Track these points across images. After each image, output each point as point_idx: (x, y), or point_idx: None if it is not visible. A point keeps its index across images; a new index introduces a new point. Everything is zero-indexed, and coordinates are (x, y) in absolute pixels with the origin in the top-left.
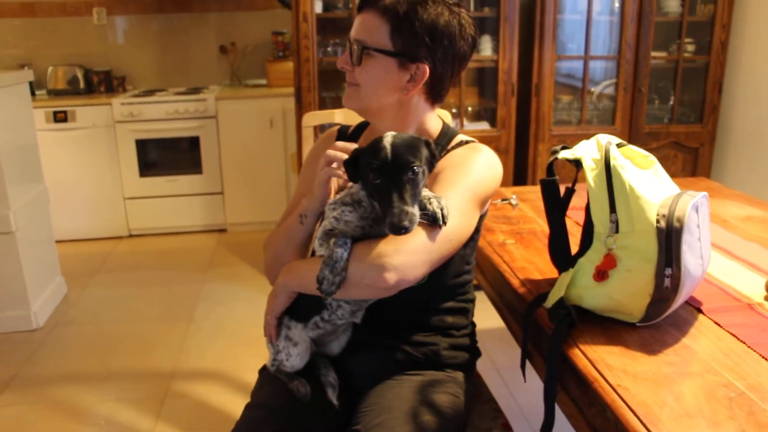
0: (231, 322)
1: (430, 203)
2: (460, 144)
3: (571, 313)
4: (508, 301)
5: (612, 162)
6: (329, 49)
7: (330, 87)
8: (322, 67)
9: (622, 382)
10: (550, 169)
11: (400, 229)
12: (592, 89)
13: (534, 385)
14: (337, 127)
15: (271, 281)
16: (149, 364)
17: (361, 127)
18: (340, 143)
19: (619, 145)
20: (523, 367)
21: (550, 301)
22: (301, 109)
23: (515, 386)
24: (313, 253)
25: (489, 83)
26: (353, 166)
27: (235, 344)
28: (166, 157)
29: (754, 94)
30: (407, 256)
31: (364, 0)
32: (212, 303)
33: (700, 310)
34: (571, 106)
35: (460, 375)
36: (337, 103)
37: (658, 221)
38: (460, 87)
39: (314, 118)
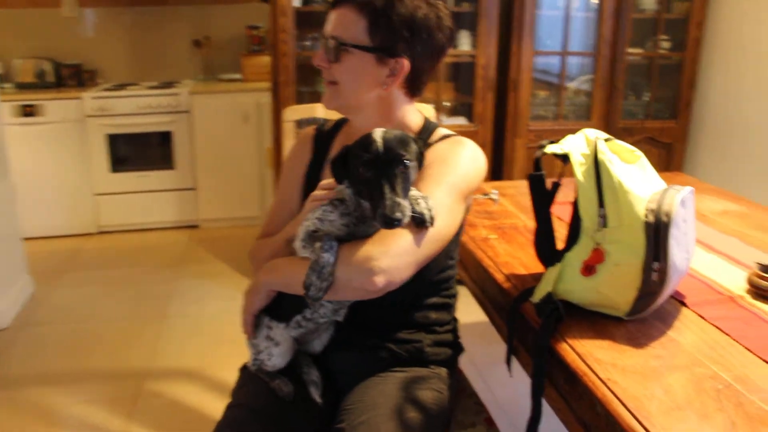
0: (205, 320)
1: (417, 204)
2: (443, 138)
3: (558, 308)
4: (491, 296)
5: (600, 157)
6: (307, 43)
7: (308, 82)
8: (300, 61)
9: (611, 375)
10: (538, 163)
11: (393, 221)
12: (568, 85)
13: (512, 379)
14: (314, 127)
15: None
16: (121, 364)
17: (339, 124)
18: (325, 182)
19: (606, 140)
20: (508, 362)
21: (538, 296)
22: (278, 104)
23: (494, 381)
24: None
25: (466, 78)
26: (341, 164)
27: (211, 342)
28: (138, 152)
29: (726, 91)
30: (395, 258)
31: None
32: (185, 301)
33: (684, 304)
34: (548, 101)
35: (443, 371)
36: (314, 98)
37: (646, 216)
38: (437, 82)
39: (295, 112)
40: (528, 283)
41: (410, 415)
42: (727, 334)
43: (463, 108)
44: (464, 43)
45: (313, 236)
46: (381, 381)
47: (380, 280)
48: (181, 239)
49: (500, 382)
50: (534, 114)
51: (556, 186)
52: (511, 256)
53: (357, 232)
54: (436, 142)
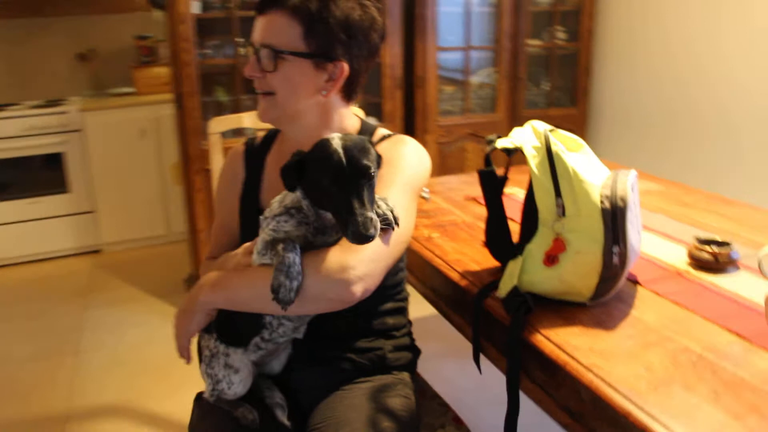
0: (124, 349)
1: (378, 206)
2: (383, 138)
3: (527, 301)
4: (445, 295)
5: (554, 148)
6: (209, 51)
7: (209, 92)
8: (202, 70)
9: (593, 361)
10: (488, 159)
11: (367, 239)
12: (472, 79)
13: (469, 372)
14: (243, 144)
15: None
16: (36, 409)
17: (270, 138)
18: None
19: (550, 131)
20: (476, 360)
21: (503, 290)
22: (183, 116)
23: (451, 378)
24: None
25: (373, 78)
26: (295, 172)
27: (134, 373)
28: (26, 177)
29: (619, 77)
30: (370, 265)
31: (269, 1)
32: (99, 332)
33: (637, 282)
34: (454, 96)
35: (406, 375)
36: (217, 108)
37: (602, 202)
38: None
39: (221, 123)
40: (484, 278)
41: (384, 425)
42: (684, 307)
43: (372, 108)
44: None
45: (271, 243)
46: (347, 394)
47: (358, 290)
48: (83, 266)
49: (456, 378)
50: (442, 109)
51: (504, 180)
52: (460, 253)
53: (316, 242)
54: (378, 142)
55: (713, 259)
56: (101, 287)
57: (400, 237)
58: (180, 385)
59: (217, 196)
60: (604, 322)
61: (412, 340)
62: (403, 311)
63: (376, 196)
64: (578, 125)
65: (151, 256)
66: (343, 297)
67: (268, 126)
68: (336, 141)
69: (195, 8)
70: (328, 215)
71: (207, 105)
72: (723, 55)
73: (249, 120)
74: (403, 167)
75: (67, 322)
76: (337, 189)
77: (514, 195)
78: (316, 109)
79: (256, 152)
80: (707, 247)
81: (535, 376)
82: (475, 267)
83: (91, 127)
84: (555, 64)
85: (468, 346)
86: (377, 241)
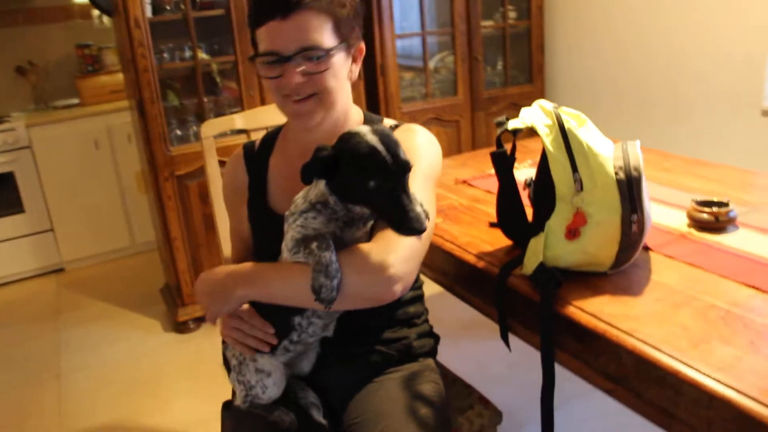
0: (109, 368)
1: None
2: (393, 128)
3: (555, 275)
4: (461, 277)
5: (567, 125)
6: (165, 55)
7: (162, 96)
8: (161, 75)
9: (632, 326)
10: (499, 141)
11: (420, 232)
12: (430, 63)
13: (479, 351)
14: (241, 148)
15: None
16: None
17: (269, 140)
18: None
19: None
20: (505, 337)
21: (529, 267)
22: (146, 123)
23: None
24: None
25: None
26: (324, 169)
27: (123, 390)
28: None
29: (570, 50)
30: (409, 262)
31: (285, 5)
32: (78, 352)
33: (648, 248)
34: (414, 82)
35: (431, 361)
36: (177, 113)
37: (616, 173)
38: None
39: (213, 126)
40: (501, 257)
41: (423, 413)
42: (699, 267)
43: None
44: None
45: (302, 241)
46: (379, 387)
47: (398, 288)
48: (48, 287)
49: (470, 359)
50: (404, 96)
51: (512, 160)
52: (469, 235)
53: (344, 236)
54: None
55: (714, 220)
56: (71, 307)
57: (429, 231)
58: (172, 398)
59: (226, 203)
60: (629, 288)
61: (431, 326)
62: (421, 299)
63: None
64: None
65: (118, 269)
66: (383, 296)
67: (262, 125)
68: (369, 136)
69: (148, 11)
70: (357, 208)
71: (168, 110)
72: (664, 27)
73: (241, 121)
74: (420, 158)
75: (42, 346)
76: (384, 186)
77: None
78: (346, 98)
79: (257, 155)
80: (707, 209)
81: (569, 346)
82: (488, 248)
83: (38, 143)
84: (509, 44)
85: (474, 327)
86: (413, 238)
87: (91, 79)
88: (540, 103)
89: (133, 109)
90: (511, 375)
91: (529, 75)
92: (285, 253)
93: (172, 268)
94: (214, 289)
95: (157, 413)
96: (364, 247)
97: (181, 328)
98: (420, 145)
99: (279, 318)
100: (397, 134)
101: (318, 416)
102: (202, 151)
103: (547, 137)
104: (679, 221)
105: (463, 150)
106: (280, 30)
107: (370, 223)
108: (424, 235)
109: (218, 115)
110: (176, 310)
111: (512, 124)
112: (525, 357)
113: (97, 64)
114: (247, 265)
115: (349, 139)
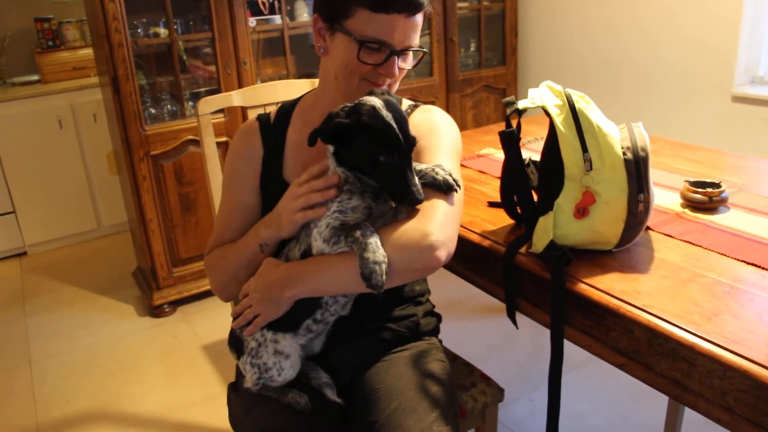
0: (82, 353)
1: (436, 174)
2: (413, 108)
3: (566, 253)
4: (464, 256)
5: (578, 105)
6: (139, 30)
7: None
8: (136, 51)
9: (645, 302)
10: (508, 120)
11: (418, 203)
12: None
13: (477, 329)
14: (256, 119)
15: (226, 298)
16: (3, 429)
17: (284, 112)
18: (320, 182)
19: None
20: (512, 315)
21: (539, 245)
22: (120, 101)
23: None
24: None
25: (306, 50)
26: (342, 135)
27: (99, 376)
28: None
29: (542, 34)
30: (447, 228)
31: (415, 5)
32: (48, 338)
33: (649, 228)
34: None
35: (435, 340)
36: (151, 91)
37: (624, 153)
38: (285, 56)
39: (210, 104)
40: (505, 237)
41: (434, 390)
42: (698, 246)
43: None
44: (302, 14)
45: (341, 229)
46: (390, 365)
47: (443, 254)
48: (11, 271)
49: (468, 337)
50: None
51: (519, 139)
52: (470, 215)
53: (376, 208)
54: (411, 112)
55: (708, 200)
56: (38, 291)
57: (460, 199)
58: (150, 384)
59: (229, 177)
60: (636, 266)
61: (433, 305)
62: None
63: (429, 165)
64: (510, 83)
65: (84, 252)
66: (430, 264)
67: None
68: (385, 113)
69: None
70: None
71: (144, 87)
72: (636, 13)
73: (238, 97)
74: (443, 135)
75: (9, 333)
76: (393, 161)
77: (491, 155)
78: None
79: (273, 128)
80: (701, 189)
81: (578, 322)
82: (490, 227)
83: None
84: (483, 25)
85: (468, 306)
86: (445, 205)
87: (52, 55)
88: (548, 84)
89: (105, 86)
90: (497, 352)
91: (502, 57)
92: (320, 243)
93: (147, 251)
94: (263, 296)
95: (134, 400)
96: (400, 223)
97: (156, 312)
98: (444, 124)
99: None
100: (419, 113)
101: (332, 396)
102: (182, 129)
103: (558, 117)
104: (672, 201)
105: None
106: (402, 25)
107: None
108: (458, 201)
109: (194, 93)
110: (151, 293)
111: (522, 104)
112: (512, 333)
113: (57, 39)
114: (289, 265)
115: (365, 111)
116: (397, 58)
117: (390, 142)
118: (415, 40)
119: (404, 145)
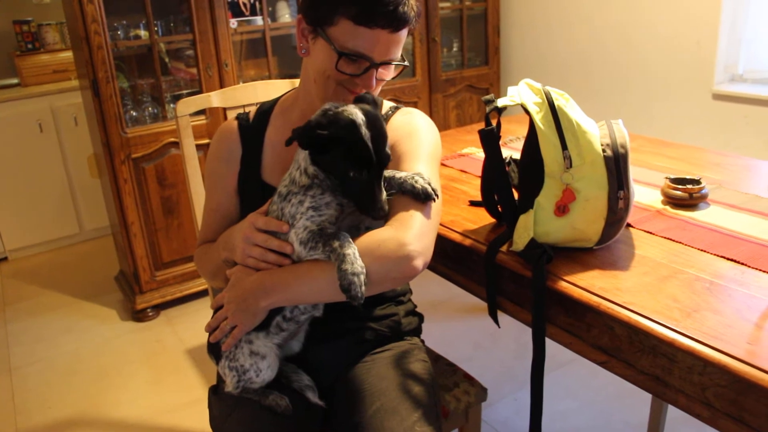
0: (64, 359)
1: (415, 182)
2: (393, 111)
3: (546, 251)
4: (445, 256)
5: (557, 103)
6: (119, 33)
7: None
8: (116, 54)
9: (625, 299)
10: (488, 119)
11: (381, 218)
12: None
13: (459, 330)
14: (235, 119)
15: (218, 286)
16: None
17: (264, 113)
18: (274, 243)
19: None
20: (493, 314)
21: (520, 243)
22: (100, 103)
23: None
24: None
25: (288, 51)
26: (321, 144)
27: (82, 381)
28: None
29: (524, 34)
30: (424, 238)
31: (399, 21)
32: (29, 344)
33: (629, 225)
34: None
35: (417, 340)
36: (131, 94)
37: (604, 150)
38: (267, 57)
39: (189, 105)
40: (486, 235)
41: (416, 391)
42: (678, 242)
43: None
44: (284, 14)
45: (319, 236)
46: (370, 365)
47: (419, 264)
48: None
49: (449, 338)
50: None
51: (499, 137)
52: (451, 214)
53: (347, 205)
54: (391, 115)
55: (688, 196)
56: (18, 297)
57: (437, 207)
58: (134, 389)
59: (209, 177)
60: (616, 263)
61: (415, 305)
62: None
63: (407, 173)
64: (493, 82)
65: (66, 257)
66: (407, 273)
67: (239, 103)
68: (364, 130)
69: None
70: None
71: (124, 90)
72: (616, 13)
73: (217, 98)
74: (423, 140)
75: None
76: (363, 177)
77: (473, 154)
78: None
79: (252, 128)
80: (681, 186)
81: (559, 320)
82: (471, 226)
83: None
84: (465, 25)
85: (451, 306)
86: (421, 215)
87: (32, 58)
88: (527, 81)
89: (85, 89)
90: (481, 352)
91: (485, 57)
92: (299, 249)
93: (129, 255)
94: (239, 306)
95: (118, 405)
96: (376, 232)
97: (139, 316)
98: (423, 128)
99: None
100: (398, 117)
101: (314, 398)
102: (163, 132)
103: (537, 115)
104: (653, 198)
105: None
106: (384, 41)
107: None
108: (435, 211)
109: (175, 96)
110: (134, 297)
111: (501, 102)
112: (496, 332)
113: (37, 42)
114: (262, 274)
115: (345, 125)
116: (375, 70)
117: (362, 162)
118: (397, 53)
119: (375, 164)
